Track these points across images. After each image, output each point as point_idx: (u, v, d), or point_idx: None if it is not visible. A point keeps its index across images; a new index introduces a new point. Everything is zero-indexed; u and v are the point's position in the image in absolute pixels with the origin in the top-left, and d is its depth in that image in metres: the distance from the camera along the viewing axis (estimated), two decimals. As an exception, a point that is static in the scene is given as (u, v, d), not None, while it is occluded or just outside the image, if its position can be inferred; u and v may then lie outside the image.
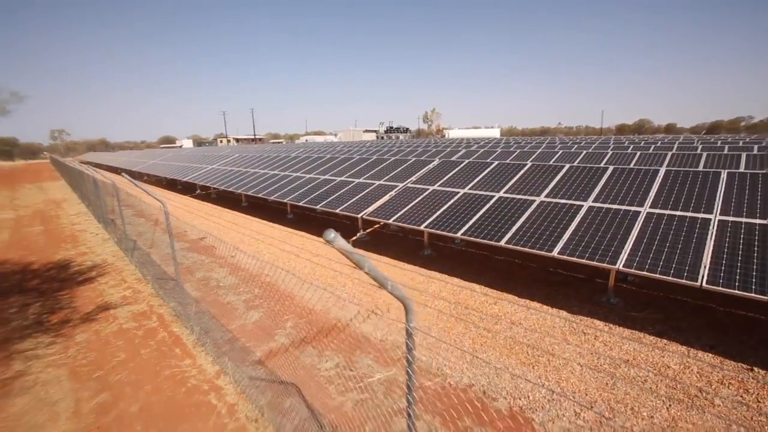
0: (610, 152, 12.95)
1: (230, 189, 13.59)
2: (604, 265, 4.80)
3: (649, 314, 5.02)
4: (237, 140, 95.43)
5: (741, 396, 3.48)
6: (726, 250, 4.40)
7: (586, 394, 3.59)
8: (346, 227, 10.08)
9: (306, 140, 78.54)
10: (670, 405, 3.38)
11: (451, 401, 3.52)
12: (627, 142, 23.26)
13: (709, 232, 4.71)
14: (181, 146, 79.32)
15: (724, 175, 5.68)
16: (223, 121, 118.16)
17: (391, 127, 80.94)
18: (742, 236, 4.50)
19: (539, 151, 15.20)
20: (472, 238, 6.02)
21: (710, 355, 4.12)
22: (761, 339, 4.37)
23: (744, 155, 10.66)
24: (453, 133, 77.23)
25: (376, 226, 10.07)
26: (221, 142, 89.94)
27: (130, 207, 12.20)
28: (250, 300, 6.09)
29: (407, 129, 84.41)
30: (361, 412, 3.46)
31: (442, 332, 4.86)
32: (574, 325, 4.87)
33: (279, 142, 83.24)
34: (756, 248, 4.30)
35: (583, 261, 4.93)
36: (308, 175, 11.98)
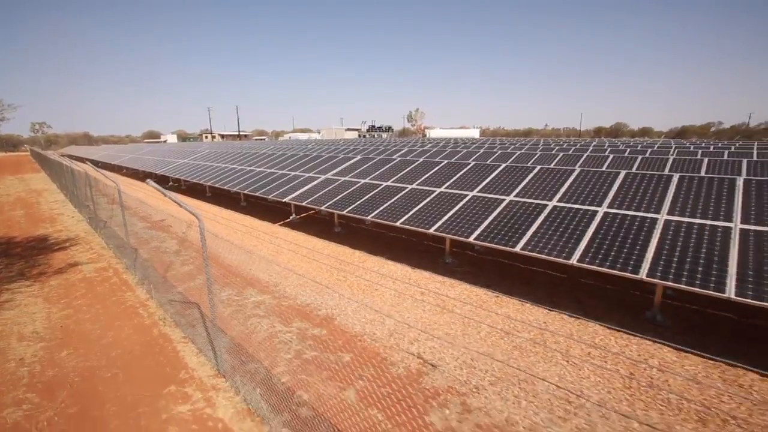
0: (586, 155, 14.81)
1: (196, 181, 15.41)
2: (455, 237, 6.87)
3: (466, 269, 7.13)
4: (222, 136, 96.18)
5: (473, 306, 5.58)
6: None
7: (382, 306, 5.64)
8: (290, 213, 12.05)
9: (290, 137, 79.99)
10: (429, 309, 5.46)
11: (292, 311, 5.55)
12: (608, 144, 25.44)
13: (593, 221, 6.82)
14: (165, 141, 79.96)
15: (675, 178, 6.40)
16: (208, 116, 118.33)
17: (373, 126, 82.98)
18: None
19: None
20: (378, 220, 7.79)
21: (484, 289, 6.23)
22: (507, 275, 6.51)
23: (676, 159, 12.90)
24: (434, 133, 79.47)
25: (311, 211, 12.07)
26: (206, 138, 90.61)
27: (106, 195, 13.93)
28: (186, 260, 8.03)
29: (390, 128, 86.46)
30: (234, 315, 5.47)
31: (312, 274, 6.88)
32: (407, 271, 6.96)
33: (262, 139, 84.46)
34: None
35: (451, 236, 6.97)
36: (264, 169, 13.89)
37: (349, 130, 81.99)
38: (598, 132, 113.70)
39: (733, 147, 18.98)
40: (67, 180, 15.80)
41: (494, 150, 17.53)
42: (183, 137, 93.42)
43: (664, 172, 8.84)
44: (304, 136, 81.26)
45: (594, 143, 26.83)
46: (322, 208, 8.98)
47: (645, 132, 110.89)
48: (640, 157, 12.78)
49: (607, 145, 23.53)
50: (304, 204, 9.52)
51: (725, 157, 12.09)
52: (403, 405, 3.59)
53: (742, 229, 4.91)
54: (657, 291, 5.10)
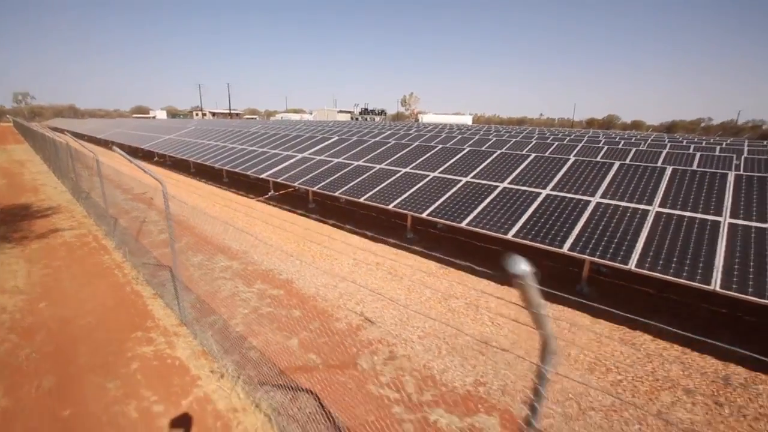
0: (581, 146, 15.32)
1: (181, 157, 15.65)
2: (410, 213, 7.38)
3: (424, 243, 7.69)
4: (213, 114, 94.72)
5: (422, 274, 6.15)
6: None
7: (339, 273, 6.18)
8: (269, 190, 12.46)
9: (281, 117, 79.21)
10: (381, 276, 6.01)
11: (255, 275, 6.07)
12: (602, 135, 25.91)
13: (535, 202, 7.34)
14: (154, 117, 78.60)
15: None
16: (199, 94, 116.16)
17: (366, 109, 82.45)
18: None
19: (444, 136, 17.80)
20: (346, 196, 8.28)
21: (436, 262, 6.80)
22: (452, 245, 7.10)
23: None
24: (426, 118, 79.31)
25: (289, 189, 12.50)
26: (197, 115, 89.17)
27: (88, 168, 14.11)
28: (163, 229, 8.45)
29: (383, 111, 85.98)
30: (202, 277, 5.97)
31: (280, 243, 7.38)
32: (369, 244, 7.50)
33: (253, 118, 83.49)
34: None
35: (442, 221, 7.48)
36: (246, 147, 14.19)
37: (341, 112, 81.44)
38: (591, 123, 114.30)
39: (724, 143, 19.59)
40: (50, 151, 15.90)
41: (468, 136, 18.01)
42: (173, 114, 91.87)
43: (657, 164, 9.41)
44: (296, 117, 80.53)
45: (589, 134, 27.35)
46: (296, 184, 9.43)
47: (636, 125, 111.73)
48: (633, 149, 13.21)
49: (601, 136, 24.04)
50: (279, 180, 9.96)
51: (717, 153, 12.57)
52: (338, 352, 4.17)
53: (656, 211, 5.50)
54: (585, 266, 5.70)
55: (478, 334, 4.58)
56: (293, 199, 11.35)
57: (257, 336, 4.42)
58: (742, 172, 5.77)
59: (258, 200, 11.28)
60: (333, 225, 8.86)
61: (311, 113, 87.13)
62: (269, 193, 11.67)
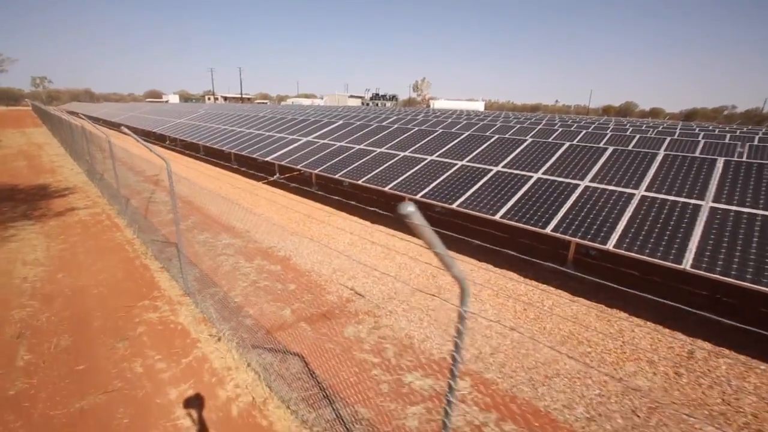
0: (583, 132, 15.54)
1: (190, 140, 16.04)
2: (410, 196, 7.61)
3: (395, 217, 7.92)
4: (225, 98, 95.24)
5: (414, 256, 6.41)
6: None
7: (335, 251, 6.49)
8: (275, 173, 12.79)
9: (292, 102, 79.20)
10: (374, 255, 6.30)
11: (256, 252, 6.42)
12: (612, 123, 25.63)
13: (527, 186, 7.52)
14: (167, 101, 79.40)
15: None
16: (211, 78, 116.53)
17: (377, 94, 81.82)
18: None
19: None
20: (346, 179, 8.54)
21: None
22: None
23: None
24: (438, 104, 78.42)
25: (295, 172, 12.79)
26: (208, 99, 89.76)
27: (103, 150, 14.65)
28: (170, 209, 8.86)
29: (394, 96, 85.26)
30: (206, 253, 6.34)
31: (282, 223, 7.71)
32: (366, 225, 7.77)
33: (264, 103, 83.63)
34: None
35: (433, 203, 7.71)
36: (253, 131, 14.49)
37: (352, 97, 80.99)
38: (607, 111, 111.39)
39: (738, 131, 19.06)
40: (66, 134, 16.46)
41: (473, 122, 17.97)
42: (185, 98, 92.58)
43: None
44: (307, 102, 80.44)
45: (599, 121, 26.90)
46: (299, 167, 9.71)
47: (655, 113, 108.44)
48: (637, 136, 13.04)
49: (612, 123, 23.66)
50: (284, 163, 10.24)
51: (726, 140, 12.30)
52: (327, 321, 4.49)
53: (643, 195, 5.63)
54: (571, 247, 5.89)
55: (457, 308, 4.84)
56: (298, 182, 11.66)
57: (253, 306, 4.77)
58: (732, 158, 5.82)
59: (264, 183, 11.62)
60: (334, 206, 9.15)
61: (322, 98, 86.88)
62: (275, 176, 11.99)
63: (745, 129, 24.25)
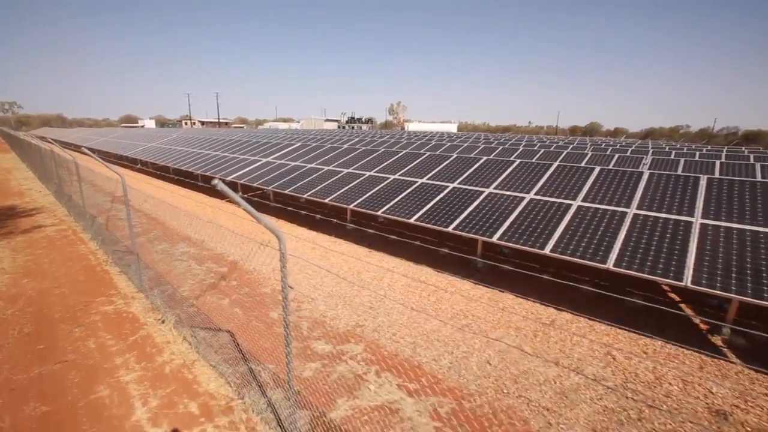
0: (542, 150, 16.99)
1: (160, 163, 16.74)
2: (337, 204, 8.61)
3: (359, 234, 8.91)
4: (203, 123, 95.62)
5: (348, 256, 7.36)
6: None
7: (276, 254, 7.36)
8: (237, 192, 13.62)
9: (269, 126, 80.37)
10: (311, 255, 7.22)
11: (208, 257, 7.23)
12: (577, 142, 27.65)
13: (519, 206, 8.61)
14: (143, 126, 79.16)
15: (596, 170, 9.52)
16: (188, 103, 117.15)
17: (353, 118, 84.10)
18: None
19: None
20: (296, 194, 9.52)
21: (364, 247, 8.01)
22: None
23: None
24: (412, 126, 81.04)
25: (258, 191, 13.66)
26: (185, 124, 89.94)
27: (74, 174, 15.20)
28: (135, 225, 9.54)
29: (369, 120, 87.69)
30: (163, 259, 7.12)
31: (238, 231, 8.54)
32: (312, 233, 8.70)
33: (241, 127, 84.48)
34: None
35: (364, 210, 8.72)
36: (219, 153, 15.36)
37: (328, 120, 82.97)
38: (574, 131, 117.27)
39: (704, 149, 21.36)
40: (35, 158, 16.88)
41: (424, 142, 19.42)
42: (162, 123, 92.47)
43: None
44: (284, 125, 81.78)
45: (561, 141, 28.98)
46: (255, 184, 10.64)
47: (617, 132, 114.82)
48: (589, 153, 14.29)
49: (567, 142, 25.68)
50: (243, 182, 11.14)
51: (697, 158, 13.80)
52: (257, 308, 5.36)
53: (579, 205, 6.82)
54: (479, 245, 6.98)
55: (373, 294, 5.80)
56: (259, 199, 12.54)
57: (197, 298, 5.59)
58: (655, 171, 7.03)
59: (226, 201, 12.43)
60: (288, 219, 10.07)
61: (299, 122, 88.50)
62: (238, 194, 12.84)
63: (677, 145, 26.63)
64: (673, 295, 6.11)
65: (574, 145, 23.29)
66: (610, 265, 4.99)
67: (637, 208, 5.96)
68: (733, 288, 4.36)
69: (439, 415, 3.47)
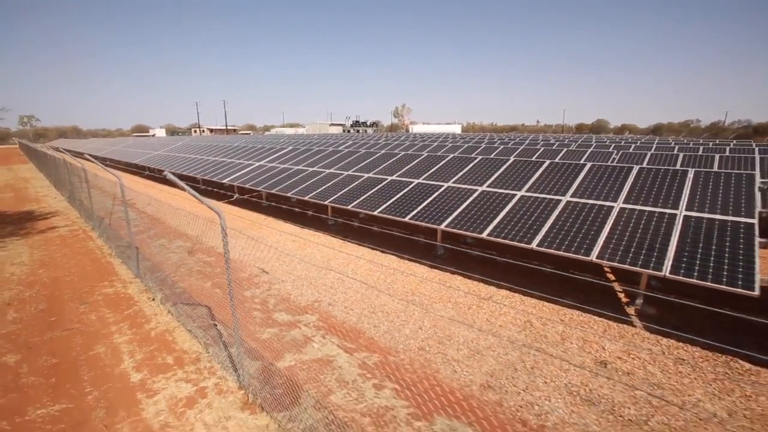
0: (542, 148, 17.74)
1: (161, 169, 17.88)
2: (314, 200, 9.47)
3: (339, 228, 9.76)
4: (211, 130, 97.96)
5: (324, 245, 8.20)
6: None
7: (261, 245, 8.25)
8: (243, 194, 14.62)
9: (276, 131, 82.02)
10: (291, 246, 8.09)
11: (199, 250, 8.16)
12: (567, 139, 28.23)
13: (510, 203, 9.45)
14: (153, 135, 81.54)
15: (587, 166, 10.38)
16: (196, 111, 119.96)
17: (357, 122, 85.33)
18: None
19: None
20: (299, 196, 10.49)
21: (340, 239, 8.86)
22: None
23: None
24: (416, 128, 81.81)
25: (254, 193, 14.64)
26: (195, 132, 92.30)
27: (86, 181, 16.47)
28: (138, 224, 10.60)
29: (375, 123, 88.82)
30: (159, 252, 8.07)
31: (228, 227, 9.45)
32: (296, 228, 9.58)
33: (248, 133, 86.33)
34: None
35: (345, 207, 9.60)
36: (218, 158, 16.41)
37: (333, 125, 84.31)
38: (580, 128, 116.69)
39: (690, 143, 21.88)
40: (51, 168, 18.19)
41: (422, 142, 20.23)
42: (172, 131, 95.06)
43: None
44: (290, 131, 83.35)
45: (582, 139, 29.51)
46: (247, 186, 11.59)
47: (624, 129, 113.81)
48: (589, 150, 15.19)
49: (571, 139, 26.21)
50: (237, 184, 12.11)
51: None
52: (237, 288, 6.22)
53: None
54: (438, 234, 7.76)
55: (337, 276, 6.63)
56: (253, 201, 13.50)
57: (185, 281, 6.51)
58: (595, 162, 7.81)
59: (224, 202, 13.43)
60: (276, 217, 10.98)
61: (305, 127, 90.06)
62: (234, 196, 13.83)
63: (682, 140, 26.91)
64: (610, 275, 6.81)
65: (560, 142, 23.77)
66: (534, 245, 5.74)
67: (571, 196, 6.69)
68: (639, 262, 5.06)
69: (364, 365, 4.28)
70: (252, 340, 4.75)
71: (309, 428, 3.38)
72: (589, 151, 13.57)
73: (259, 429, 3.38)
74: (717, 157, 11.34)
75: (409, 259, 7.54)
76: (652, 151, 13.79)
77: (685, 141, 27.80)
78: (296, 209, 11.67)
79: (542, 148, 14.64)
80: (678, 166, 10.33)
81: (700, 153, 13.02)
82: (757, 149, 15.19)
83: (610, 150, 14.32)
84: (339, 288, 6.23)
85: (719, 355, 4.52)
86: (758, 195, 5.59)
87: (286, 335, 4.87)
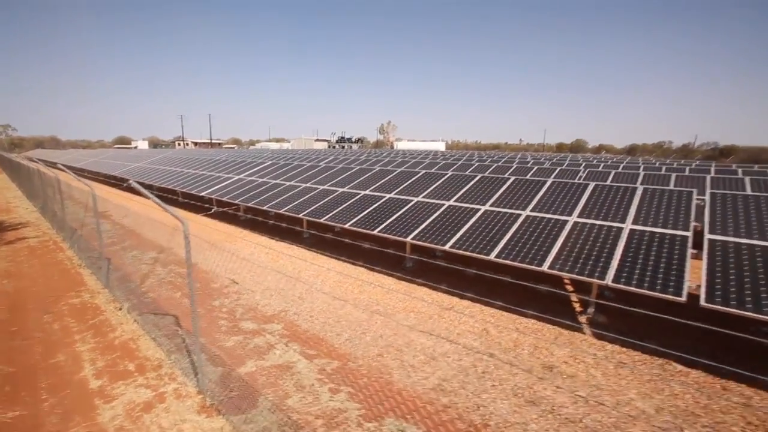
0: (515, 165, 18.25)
1: (144, 181, 17.76)
2: (287, 213, 9.65)
3: (313, 241, 9.93)
4: (195, 144, 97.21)
5: (296, 257, 8.35)
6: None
7: (234, 257, 8.35)
8: (222, 207, 14.64)
9: (261, 146, 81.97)
10: (264, 258, 8.21)
11: (171, 261, 8.20)
12: (538, 158, 29.12)
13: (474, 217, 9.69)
14: (135, 147, 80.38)
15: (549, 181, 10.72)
16: (181, 124, 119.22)
17: (342, 137, 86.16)
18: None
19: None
20: (275, 210, 10.65)
21: (313, 252, 9.03)
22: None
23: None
24: (401, 145, 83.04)
25: (233, 206, 14.70)
26: (178, 145, 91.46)
27: (61, 192, 16.23)
28: (112, 236, 10.55)
29: (360, 139, 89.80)
30: (131, 263, 8.08)
31: (204, 239, 9.52)
32: (272, 241, 9.71)
33: (233, 147, 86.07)
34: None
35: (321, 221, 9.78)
36: (198, 172, 16.45)
37: (318, 140, 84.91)
38: (560, 147, 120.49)
39: (694, 164, 23.08)
40: (24, 178, 17.85)
41: (391, 158, 20.73)
42: (155, 144, 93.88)
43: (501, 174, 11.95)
44: (276, 146, 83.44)
45: (570, 158, 30.50)
46: (224, 199, 11.70)
47: (602, 148, 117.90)
48: (558, 168, 15.90)
49: (533, 159, 27.21)
50: (214, 197, 12.19)
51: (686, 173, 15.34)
52: (206, 298, 6.32)
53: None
54: (407, 247, 8.02)
55: (305, 287, 6.79)
56: (231, 214, 13.57)
57: (155, 291, 6.55)
58: (558, 179, 8.25)
59: (202, 215, 13.45)
60: (251, 230, 11.09)
61: (291, 142, 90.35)
62: (213, 209, 13.87)
63: (651, 160, 28.24)
64: (568, 286, 7.16)
65: (552, 161, 24.68)
66: (492, 256, 6.06)
67: (531, 211, 7.08)
68: (586, 272, 5.41)
69: (323, 371, 4.44)
70: (216, 348, 4.86)
71: (263, 430, 3.51)
72: (559, 169, 14.21)
73: (214, 431, 3.50)
74: (673, 176, 12.07)
75: (379, 271, 7.76)
76: (618, 170, 14.55)
77: (654, 162, 29.21)
78: (271, 222, 11.81)
79: (515, 166, 15.25)
80: (638, 184, 10.97)
81: (662, 172, 13.80)
82: (713, 169, 16.18)
83: (581, 168, 15.06)
84: (306, 298, 6.39)
85: (657, 358, 4.85)
86: (694, 210, 6.06)
87: (250, 343, 4.99)
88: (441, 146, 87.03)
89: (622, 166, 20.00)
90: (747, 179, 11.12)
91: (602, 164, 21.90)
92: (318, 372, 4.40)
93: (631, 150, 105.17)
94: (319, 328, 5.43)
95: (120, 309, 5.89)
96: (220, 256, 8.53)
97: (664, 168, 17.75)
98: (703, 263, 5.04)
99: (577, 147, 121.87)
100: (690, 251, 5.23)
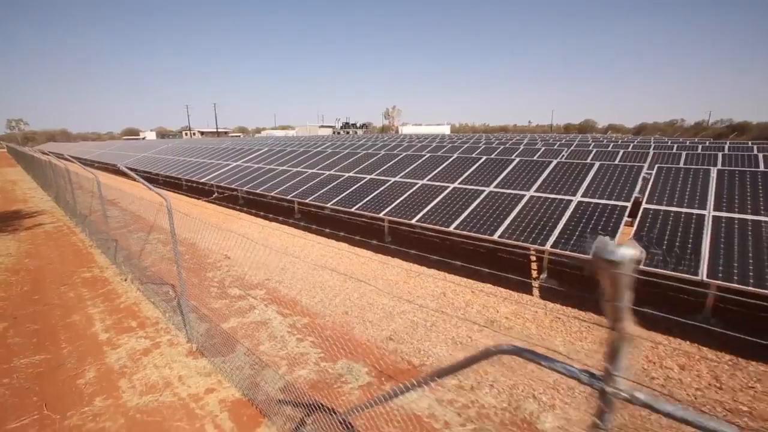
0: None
1: (150, 170, 18.66)
2: (278, 195, 10.39)
3: (305, 220, 10.68)
4: (202, 133, 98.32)
5: (288, 234, 9.12)
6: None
7: (231, 235, 9.14)
8: (221, 193, 15.47)
9: (266, 134, 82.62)
10: (257, 233, 8.99)
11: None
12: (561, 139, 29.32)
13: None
14: (143, 138, 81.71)
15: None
16: (187, 114, 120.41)
17: (347, 123, 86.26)
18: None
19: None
20: (268, 192, 11.41)
21: (302, 231, 9.77)
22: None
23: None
24: (405, 129, 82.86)
25: (234, 192, 15.50)
26: (185, 134, 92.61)
27: (73, 183, 17.26)
28: (120, 220, 11.44)
29: (365, 125, 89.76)
30: (136, 244, 8.94)
31: (204, 219, 10.34)
32: (266, 222, 10.49)
33: (238, 136, 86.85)
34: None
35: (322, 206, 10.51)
36: (200, 160, 17.24)
37: (323, 127, 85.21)
38: (568, 128, 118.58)
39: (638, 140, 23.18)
40: (38, 170, 18.90)
41: (377, 143, 21.22)
42: (162, 134, 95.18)
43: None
44: (281, 133, 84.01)
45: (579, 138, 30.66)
46: (223, 184, 12.48)
47: (611, 128, 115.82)
48: (565, 149, 16.37)
49: (542, 139, 27.39)
50: (215, 183, 12.98)
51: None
52: (199, 271, 7.14)
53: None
54: (385, 223, 8.70)
55: (290, 259, 7.55)
56: (232, 199, 14.39)
57: (156, 266, 7.39)
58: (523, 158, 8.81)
59: (205, 200, 14.29)
60: (252, 212, 11.88)
61: (295, 129, 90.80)
62: (214, 195, 14.70)
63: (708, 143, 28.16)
64: (532, 256, 7.80)
65: (546, 143, 24.89)
66: (452, 227, 6.72)
67: (494, 187, 7.68)
68: (531, 240, 6.04)
69: (294, 326, 5.21)
70: (206, 309, 5.66)
71: (237, 367, 4.31)
72: (566, 150, 14.67)
73: (197, 368, 4.31)
74: (651, 153, 12.45)
75: (359, 245, 8.48)
76: (609, 149, 14.88)
77: (666, 140, 29.02)
78: (271, 201, 12.57)
79: (501, 147, 15.70)
80: (617, 161, 11.40)
81: (650, 150, 14.11)
82: (700, 146, 16.38)
83: (590, 146, 15.44)
84: (289, 269, 7.16)
85: (594, 315, 5.51)
86: (640, 183, 6.61)
87: (235, 305, 5.79)
88: (446, 130, 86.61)
89: (632, 145, 20.12)
90: (720, 157, 11.46)
91: (612, 144, 21.82)
92: (289, 327, 5.18)
93: (641, 129, 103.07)
94: (296, 293, 6.20)
95: (125, 280, 6.74)
96: (218, 235, 9.33)
97: (675, 146, 17.91)
98: (633, 229, 5.63)
99: (586, 127, 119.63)
100: (625, 219, 5.82)
